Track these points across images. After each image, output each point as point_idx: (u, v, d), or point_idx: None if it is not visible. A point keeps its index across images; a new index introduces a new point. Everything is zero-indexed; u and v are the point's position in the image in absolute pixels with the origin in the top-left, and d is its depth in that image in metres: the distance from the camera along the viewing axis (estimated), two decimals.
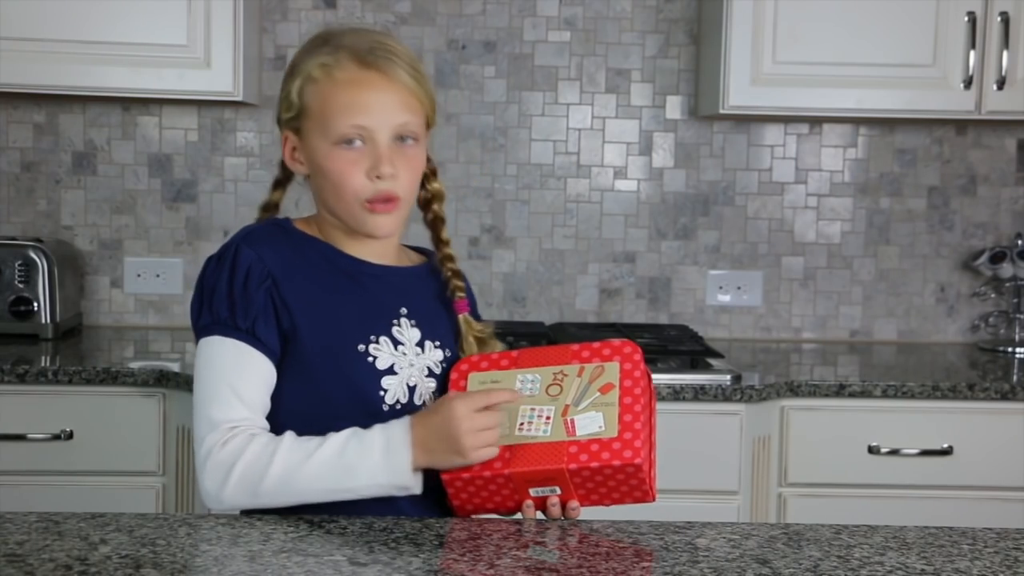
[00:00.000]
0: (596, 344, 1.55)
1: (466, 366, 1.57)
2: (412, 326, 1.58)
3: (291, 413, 1.53)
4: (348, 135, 1.52)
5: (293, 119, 1.57)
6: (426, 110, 1.58)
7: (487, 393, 1.49)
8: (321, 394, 1.53)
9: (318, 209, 1.62)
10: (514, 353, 1.58)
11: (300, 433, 1.50)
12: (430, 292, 1.65)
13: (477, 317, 1.71)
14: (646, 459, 1.45)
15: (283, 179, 1.68)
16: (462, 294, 1.65)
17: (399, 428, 1.47)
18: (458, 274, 1.66)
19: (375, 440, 1.46)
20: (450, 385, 1.56)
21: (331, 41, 1.56)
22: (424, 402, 1.56)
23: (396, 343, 1.56)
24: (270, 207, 1.68)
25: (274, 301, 1.51)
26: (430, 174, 1.67)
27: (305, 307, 1.53)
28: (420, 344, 1.58)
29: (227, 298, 1.50)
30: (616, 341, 1.56)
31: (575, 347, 1.56)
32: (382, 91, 1.53)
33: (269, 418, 1.52)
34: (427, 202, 1.68)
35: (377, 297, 1.58)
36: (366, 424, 1.50)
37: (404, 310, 1.59)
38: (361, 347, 1.53)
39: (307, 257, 1.57)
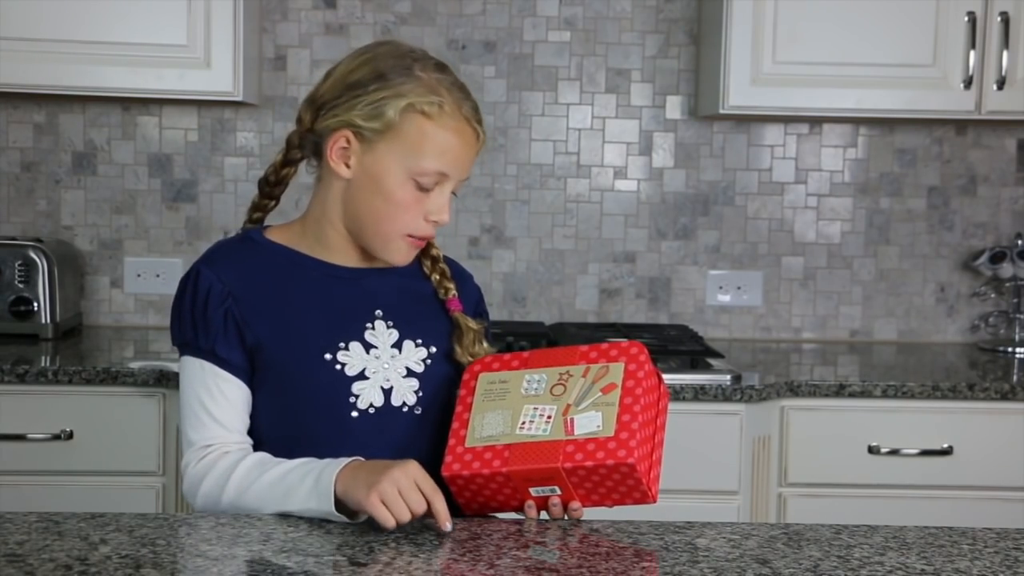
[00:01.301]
0: (604, 345, 1.56)
1: (479, 367, 1.59)
2: (389, 327, 1.60)
3: (265, 425, 1.59)
4: (430, 173, 1.54)
5: (372, 129, 1.54)
6: None
7: (436, 499, 1.39)
8: (290, 405, 1.56)
9: (322, 210, 1.62)
10: (525, 354, 1.60)
11: (275, 444, 1.55)
12: (419, 290, 1.66)
13: (483, 312, 1.73)
14: (643, 459, 1.45)
15: (294, 159, 1.66)
16: (453, 293, 1.66)
17: (335, 462, 1.45)
18: (445, 274, 1.68)
19: (314, 466, 1.46)
20: (462, 385, 1.58)
21: (428, 71, 1.56)
22: (404, 402, 1.57)
23: (368, 347, 1.57)
24: (281, 180, 1.68)
25: (236, 319, 1.55)
26: None
27: (269, 321, 1.56)
28: (397, 345, 1.59)
29: (190, 320, 1.57)
30: (624, 342, 1.57)
31: (584, 348, 1.57)
32: (470, 149, 1.58)
33: (249, 431, 1.58)
34: None
35: (348, 302, 1.60)
36: (336, 431, 1.54)
37: (379, 312, 1.60)
38: (328, 355, 1.55)
39: (274, 269, 1.60)
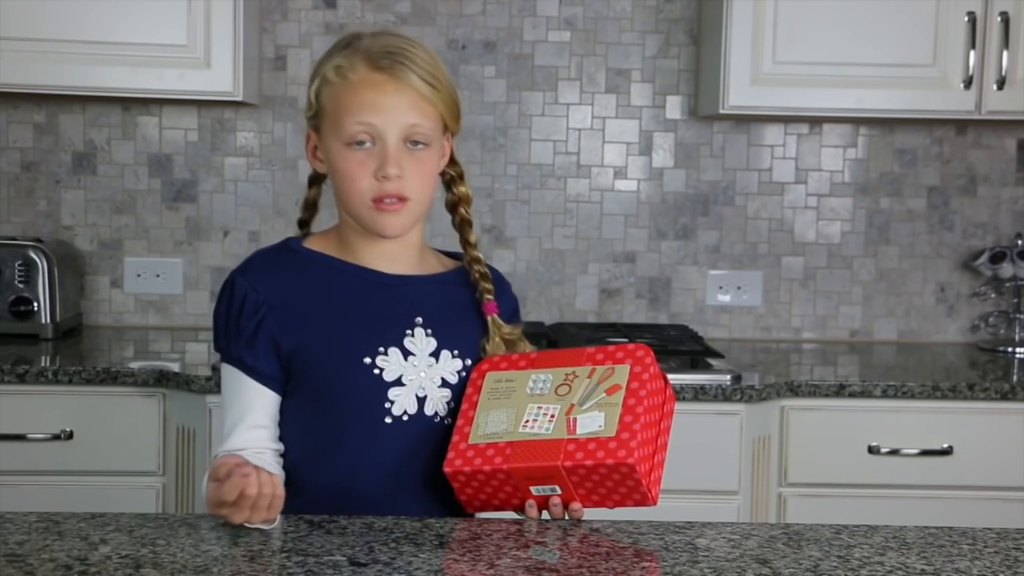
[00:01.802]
0: (611, 347, 1.57)
1: (487, 366, 1.59)
2: (428, 335, 1.58)
3: (296, 431, 1.58)
4: (357, 134, 1.53)
5: (313, 118, 1.59)
6: (442, 114, 1.58)
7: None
8: (325, 409, 1.55)
9: (339, 211, 1.63)
10: (532, 355, 1.60)
11: (305, 449, 1.56)
12: (457, 298, 1.64)
13: (517, 320, 1.70)
14: (644, 460, 1.45)
15: (315, 177, 1.68)
16: (490, 296, 1.64)
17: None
18: (486, 276, 1.65)
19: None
20: (469, 383, 1.58)
21: (352, 44, 1.58)
22: (436, 412, 1.56)
23: (407, 354, 1.56)
24: (308, 205, 1.69)
25: (270, 328, 1.55)
26: (457, 178, 1.67)
27: (308, 327, 1.55)
28: (435, 354, 1.58)
29: (224, 328, 1.58)
30: (630, 345, 1.57)
31: (590, 350, 1.58)
32: (391, 93, 1.54)
33: (282, 436, 1.58)
34: (454, 205, 1.68)
35: (388, 308, 1.58)
36: (368, 436, 1.53)
37: (419, 319, 1.59)
38: (367, 359, 1.54)
39: (313, 276, 1.59)
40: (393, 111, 1.53)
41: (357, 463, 1.54)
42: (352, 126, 1.53)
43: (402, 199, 1.54)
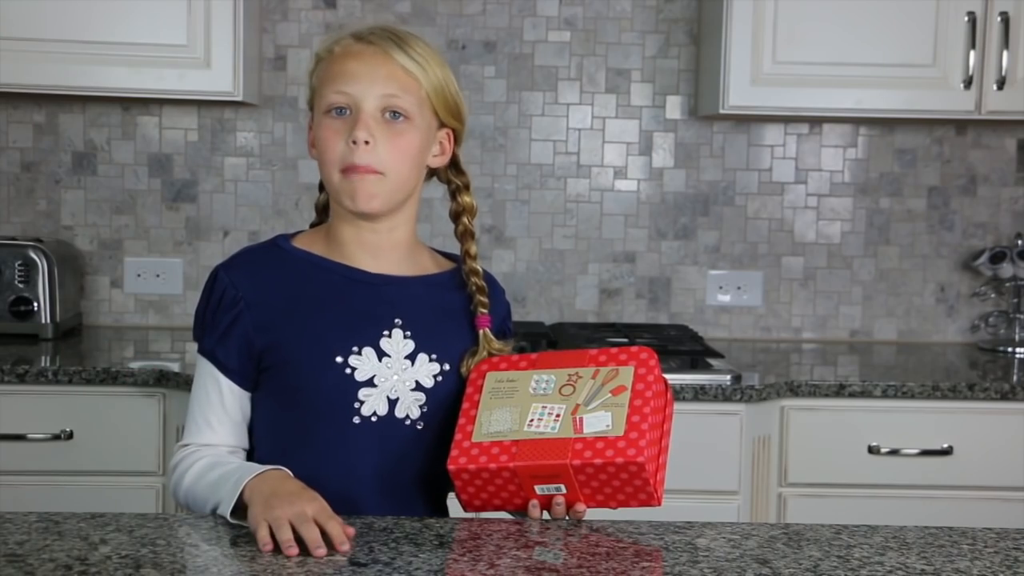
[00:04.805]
0: (614, 349, 1.57)
1: (486, 366, 1.58)
2: (405, 337, 1.56)
3: (266, 428, 1.58)
4: (335, 102, 1.53)
5: (311, 102, 1.60)
6: (429, 96, 1.55)
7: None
8: (294, 406, 1.54)
9: (330, 204, 1.63)
10: (533, 356, 1.59)
11: (274, 447, 1.56)
12: (445, 302, 1.62)
13: (508, 329, 1.69)
14: (651, 460, 1.45)
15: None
16: (484, 310, 1.62)
17: (259, 467, 1.45)
18: (482, 290, 1.63)
19: (232, 475, 1.45)
20: (469, 383, 1.57)
21: (344, 32, 1.60)
22: (407, 415, 1.55)
23: (381, 354, 1.54)
24: (320, 210, 1.69)
25: (245, 325, 1.55)
26: (463, 188, 1.65)
27: (283, 324, 1.54)
28: (411, 357, 1.56)
29: (202, 320, 1.59)
30: (634, 347, 1.57)
31: (593, 351, 1.57)
32: (370, 62, 1.53)
33: (250, 431, 1.59)
34: (457, 215, 1.66)
35: (367, 307, 1.56)
36: (336, 436, 1.53)
37: (399, 320, 1.57)
38: (339, 358, 1.53)
39: (295, 274, 1.58)
40: (370, 79, 1.52)
41: (324, 462, 1.52)
42: (331, 95, 1.53)
43: (372, 171, 1.52)
